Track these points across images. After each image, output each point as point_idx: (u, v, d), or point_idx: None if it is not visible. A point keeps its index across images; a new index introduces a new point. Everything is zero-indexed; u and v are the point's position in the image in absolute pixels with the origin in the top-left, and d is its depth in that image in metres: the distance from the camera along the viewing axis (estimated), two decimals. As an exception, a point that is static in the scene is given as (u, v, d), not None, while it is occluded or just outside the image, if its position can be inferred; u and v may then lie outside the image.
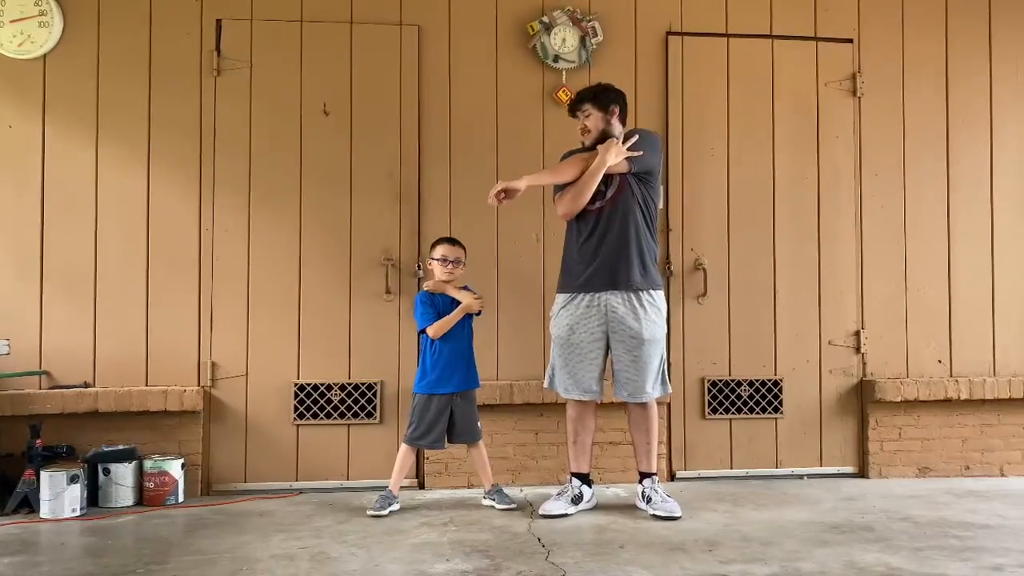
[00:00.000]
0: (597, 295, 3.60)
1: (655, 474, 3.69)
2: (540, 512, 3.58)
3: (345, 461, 4.15)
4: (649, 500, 3.60)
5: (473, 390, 3.81)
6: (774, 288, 4.40)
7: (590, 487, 3.72)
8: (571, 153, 3.78)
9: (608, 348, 3.64)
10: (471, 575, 2.76)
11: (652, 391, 3.63)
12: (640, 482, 3.69)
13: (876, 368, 4.47)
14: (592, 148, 3.67)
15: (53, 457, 3.74)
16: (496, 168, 4.28)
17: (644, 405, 3.66)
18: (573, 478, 3.70)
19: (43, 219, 4.03)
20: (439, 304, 3.76)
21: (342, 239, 4.19)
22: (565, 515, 3.56)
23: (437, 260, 3.77)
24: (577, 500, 3.64)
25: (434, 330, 3.69)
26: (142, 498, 3.83)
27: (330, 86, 4.21)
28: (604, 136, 3.68)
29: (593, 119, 3.69)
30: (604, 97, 3.70)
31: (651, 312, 3.60)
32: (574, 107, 3.75)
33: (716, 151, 4.41)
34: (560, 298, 3.71)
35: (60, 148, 4.06)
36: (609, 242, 3.60)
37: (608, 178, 3.62)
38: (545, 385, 3.79)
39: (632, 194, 3.63)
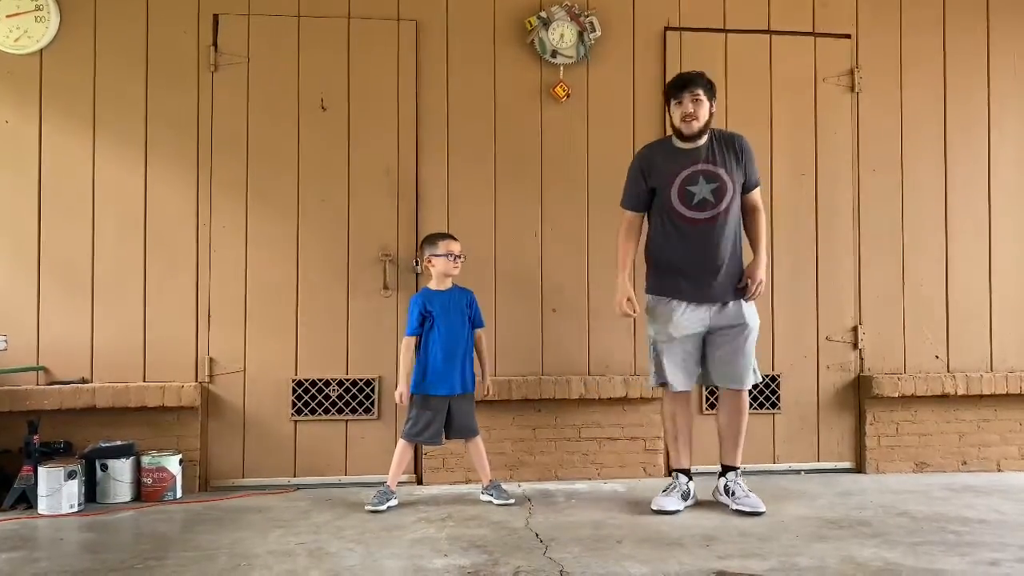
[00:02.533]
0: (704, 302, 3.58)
1: (739, 468, 3.67)
2: (653, 507, 3.52)
3: (343, 457, 4.15)
4: (733, 494, 3.58)
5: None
6: (772, 284, 4.40)
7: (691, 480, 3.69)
8: (654, 149, 3.68)
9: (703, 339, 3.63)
10: (469, 570, 2.77)
11: (751, 377, 3.63)
12: (722, 475, 3.66)
13: (873, 364, 4.48)
14: (691, 137, 3.54)
15: (51, 453, 3.74)
16: (494, 164, 4.28)
17: (740, 395, 3.65)
18: (679, 474, 3.65)
19: (40, 215, 4.02)
20: (434, 304, 3.77)
21: (340, 235, 4.18)
22: (677, 511, 3.52)
23: (442, 256, 3.77)
24: (686, 496, 3.60)
25: (405, 343, 3.77)
26: (140, 494, 3.83)
27: (328, 81, 4.20)
28: (706, 127, 3.57)
29: (704, 107, 3.52)
30: (713, 88, 3.59)
31: (751, 301, 3.62)
32: (682, 87, 3.52)
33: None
34: (658, 298, 3.62)
35: (57, 143, 4.05)
36: (720, 252, 3.54)
37: (718, 188, 3.53)
38: (653, 384, 3.69)
39: (738, 197, 3.61)
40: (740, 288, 3.59)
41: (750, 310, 3.61)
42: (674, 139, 3.65)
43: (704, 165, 3.56)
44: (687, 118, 3.53)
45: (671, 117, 3.63)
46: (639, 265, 3.80)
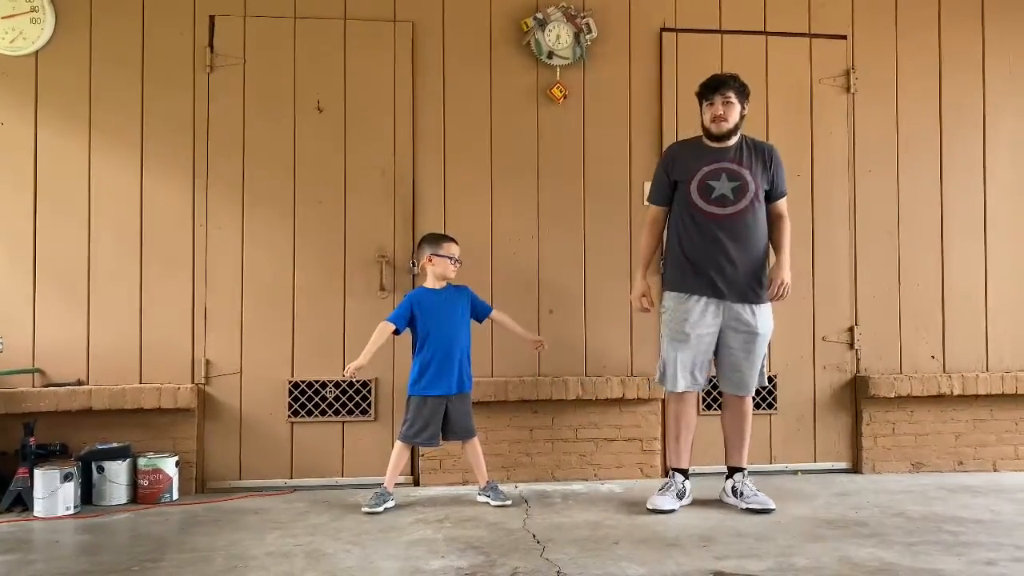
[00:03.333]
0: (718, 299, 3.57)
1: (745, 468, 3.68)
2: (648, 506, 3.54)
3: (340, 458, 4.15)
4: (741, 494, 3.60)
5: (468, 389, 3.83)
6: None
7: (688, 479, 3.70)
8: (682, 145, 3.74)
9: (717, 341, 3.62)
10: (466, 571, 2.76)
11: (756, 383, 3.65)
12: (729, 476, 3.68)
13: (870, 364, 4.49)
14: (720, 138, 3.58)
15: (47, 455, 3.73)
16: (491, 165, 4.28)
17: (743, 399, 3.67)
18: (676, 473, 3.66)
19: (36, 216, 4.02)
20: (429, 304, 3.77)
21: (336, 236, 4.18)
22: (673, 511, 3.53)
23: (444, 257, 3.78)
24: (681, 495, 3.62)
25: (382, 326, 3.73)
26: (136, 496, 3.82)
27: (324, 83, 4.20)
28: (736, 129, 3.61)
29: (735, 110, 3.58)
30: (746, 91, 3.62)
31: (764, 306, 3.61)
32: (714, 89, 3.57)
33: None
34: (674, 295, 3.62)
35: (53, 145, 4.04)
36: (736, 251, 3.54)
37: (739, 187, 3.55)
38: (656, 380, 3.74)
39: (761, 201, 3.61)
40: (761, 290, 3.58)
41: (764, 317, 3.60)
42: (704, 138, 3.69)
43: (730, 164, 3.59)
44: (717, 119, 3.58)
45: (702, 117, 3.66)
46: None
